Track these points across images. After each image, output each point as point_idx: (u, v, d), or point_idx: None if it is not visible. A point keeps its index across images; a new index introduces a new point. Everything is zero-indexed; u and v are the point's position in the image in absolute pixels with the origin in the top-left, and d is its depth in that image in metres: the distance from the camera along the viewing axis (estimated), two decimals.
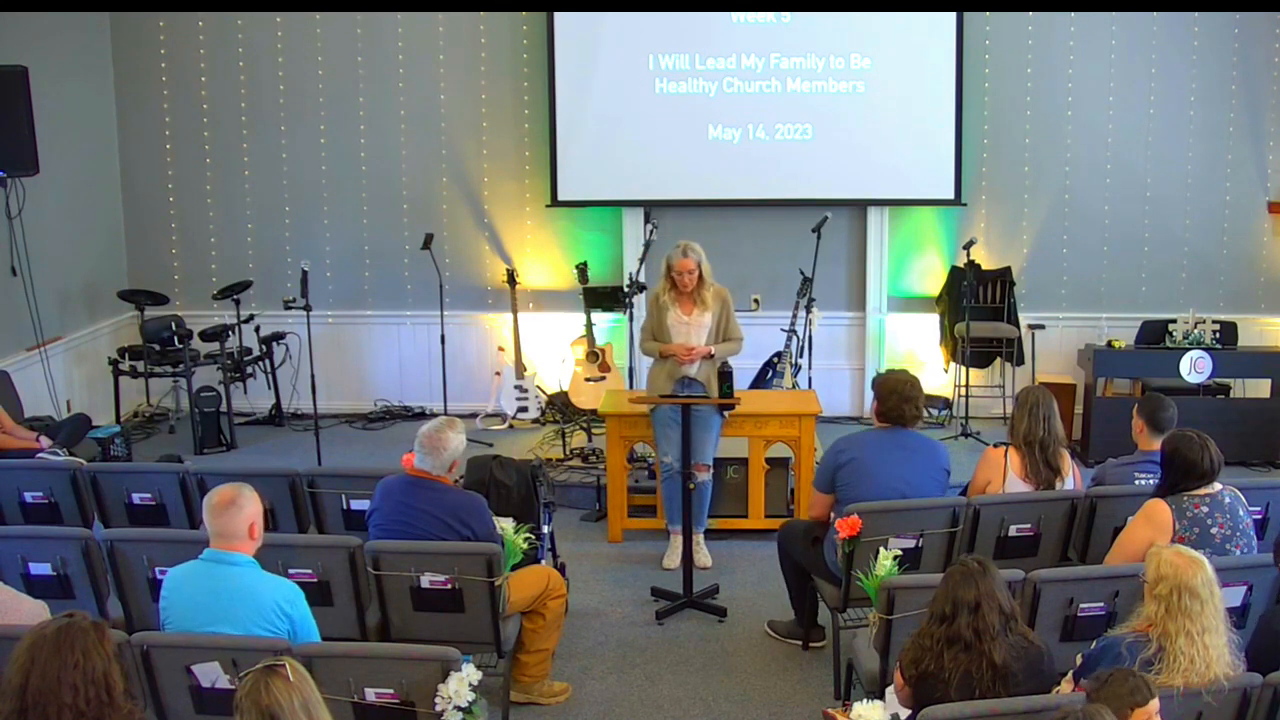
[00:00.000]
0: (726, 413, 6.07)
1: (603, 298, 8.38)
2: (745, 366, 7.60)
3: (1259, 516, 4.71)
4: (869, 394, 7.69)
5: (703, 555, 6.19)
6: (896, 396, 4.91)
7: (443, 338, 8.16)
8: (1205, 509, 4.16)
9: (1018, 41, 8.33)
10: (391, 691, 3.53)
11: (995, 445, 5.03)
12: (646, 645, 5.39)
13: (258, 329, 8.47)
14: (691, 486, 5.72)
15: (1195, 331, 7.67)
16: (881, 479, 4.80)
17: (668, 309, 6.00)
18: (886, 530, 4.59)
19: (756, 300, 8.33)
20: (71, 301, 8.13)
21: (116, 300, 8.39)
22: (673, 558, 6.09)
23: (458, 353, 8.54)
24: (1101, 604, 4.06)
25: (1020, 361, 8.36)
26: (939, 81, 8.23)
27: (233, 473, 5.11)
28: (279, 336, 8.56)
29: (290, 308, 7.88)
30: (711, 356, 5.97)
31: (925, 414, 8.30)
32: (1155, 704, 2.91)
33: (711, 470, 6.17)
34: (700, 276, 5.93)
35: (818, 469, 5.17)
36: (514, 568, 4.58)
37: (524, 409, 8.49)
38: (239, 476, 4.31)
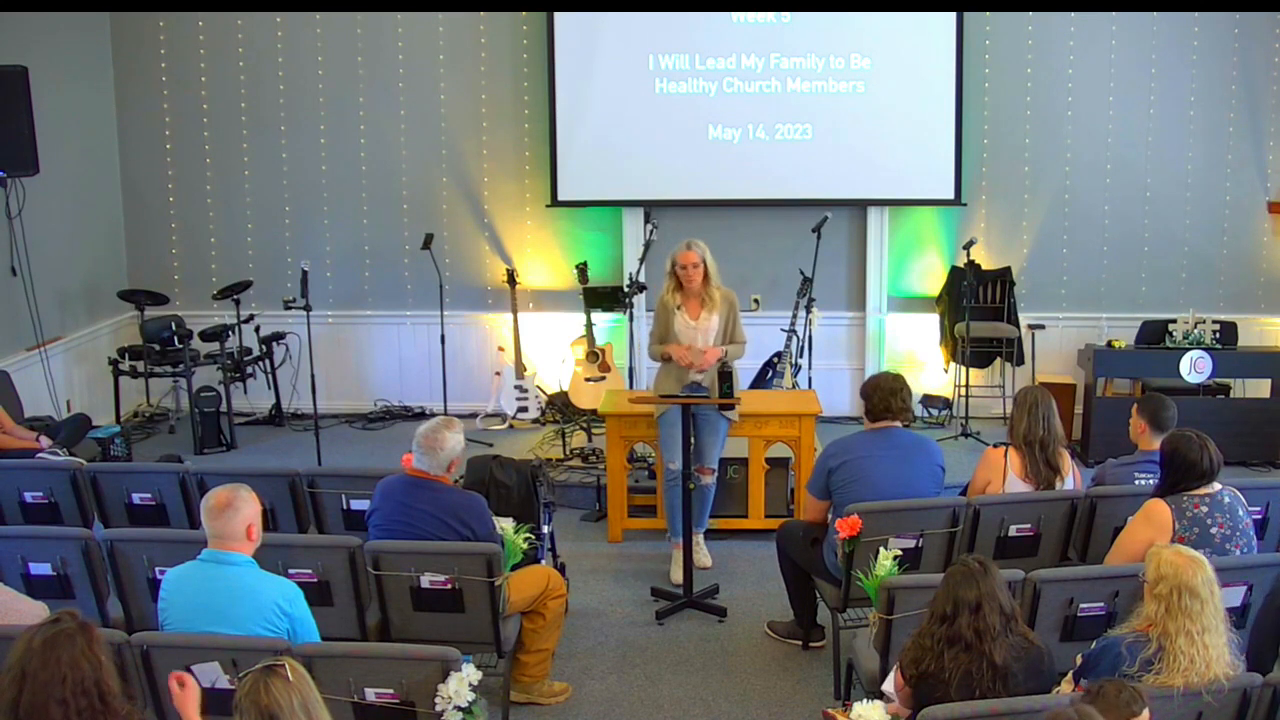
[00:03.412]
0: (732, 414, 6.04)
1: (603, 298, 8.38)
2: (745, 366, 7.58)
3: (1259, 516, 4.71)
4: None
5: (703, 555, 6.19)
6: (882, 391, 4.93)
7: (443, 338, 8.16)
8: (1205, 509, 4.15)
9: (1018, 41, 8.33)
10: (391, 691, 3.53)
11: (995, 445, 5.03)
12: (646, 645, 5.39)
13: (258, 329, 8.46)
14: (692, 486, 5.71)
15: (1195, 331, 7.67)
16: (876, 480, 4.80)
17: (674, 312, 5.95)
18: (886, 530, 4.59)
19: (756, 300, 8.33)
20: (71, 301, 8.13)
21: (116, 300, 8.39)
22: (678, 571, 5.93)
23: (458, 353, 8.54)
24: (1101, 604, 4.06)
25: (1020, 361, 8.36)
26: (939, 81, 8.23)
27: (233, 473, 5.12)
28: (279, 336, 8.56)
29: (290, 308, 7.88)
30: (725, 356, 5.92)
31: (926, 414, 8.40)
32: (1146, 714, 2.91)
33: (715, 474, 6.15)
34: (706, 274, 5.90)
35: (811, 474, 5.16)
36: (514, 568, 4.59)
37: (524, 409, 8.49)
38: (239, 476, 4.33)
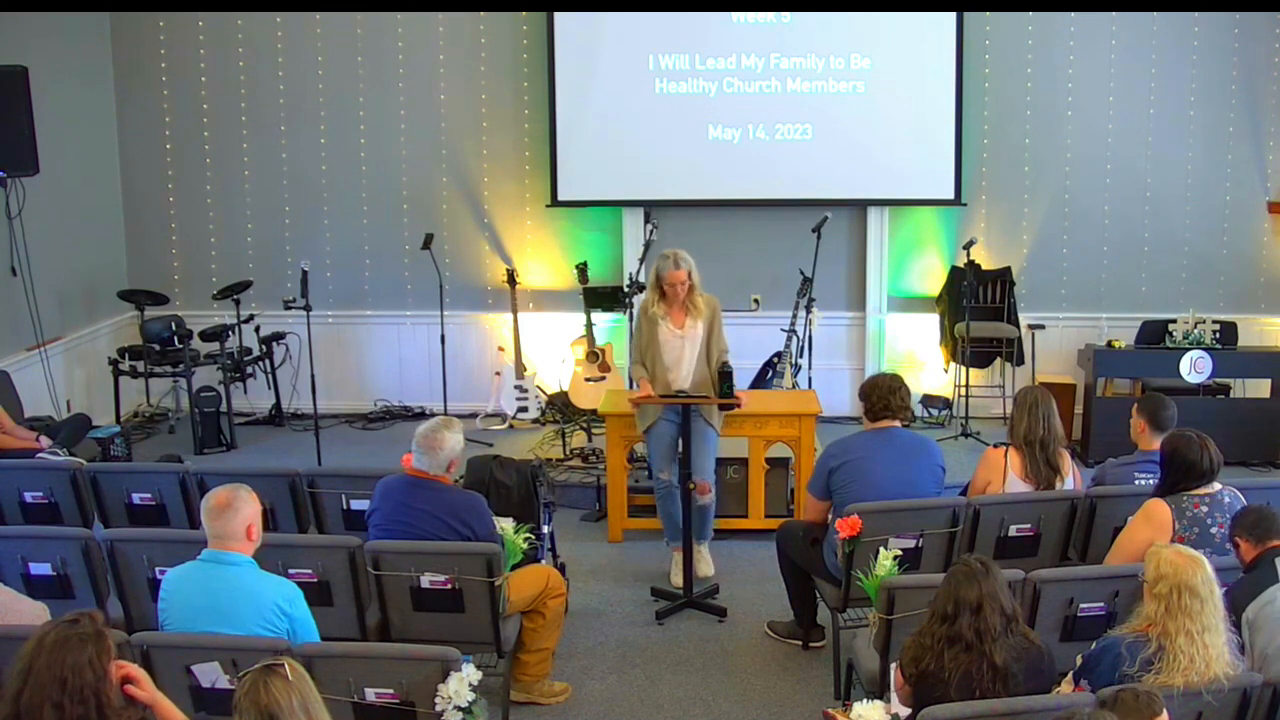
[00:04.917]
0: (721, 416, 6.01)
1: (603, 298, 8.38)
2: (745, 366, 7.59)
3: None
4: None
5: (705, 564, 6.09)
6: (880, 390, 4.94)
7: (443, 338, 8.15)
8: (1205, 509, 4.16)
9: (1018, 41, 8.33)
10: (391, 691, 3.53)
11: (995, 445, 5.03)
12: (646, 645, 5.39)
13: (258, 329, 8.46)
14: (692, 486, 5.70)
15: (1195, 331, 7.67)
16: (877, 480, 4.80)
17: (658, 322, 5.87)
18: (886, 530, 4.59)
19: (756, 300, 8.32)
20: (71, 301, 8.13)
21: (116, 300, 8.39)
22: (679, 574, 5.90)
23: (458, 353, 8.53)
24: (1101, 604, 4.06)
25: (1020, 361, 8.36)
26: (939, 81, 8.23)
27: (233, 473, 5.11)
28: (279, 336, 8.56)
29: (290, 308, 7.87)
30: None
31: (926, 414, 8.41)
32: (1165, 716, 2.91)
33: (713, 490, 6.07)
34: (691, 285, 5.81)
35: (811, 474, 5.16)
36: (514, 568, 4.59)
37: (524, 409, 8.49)
38: (239, 476, 4.32)
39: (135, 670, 3.07)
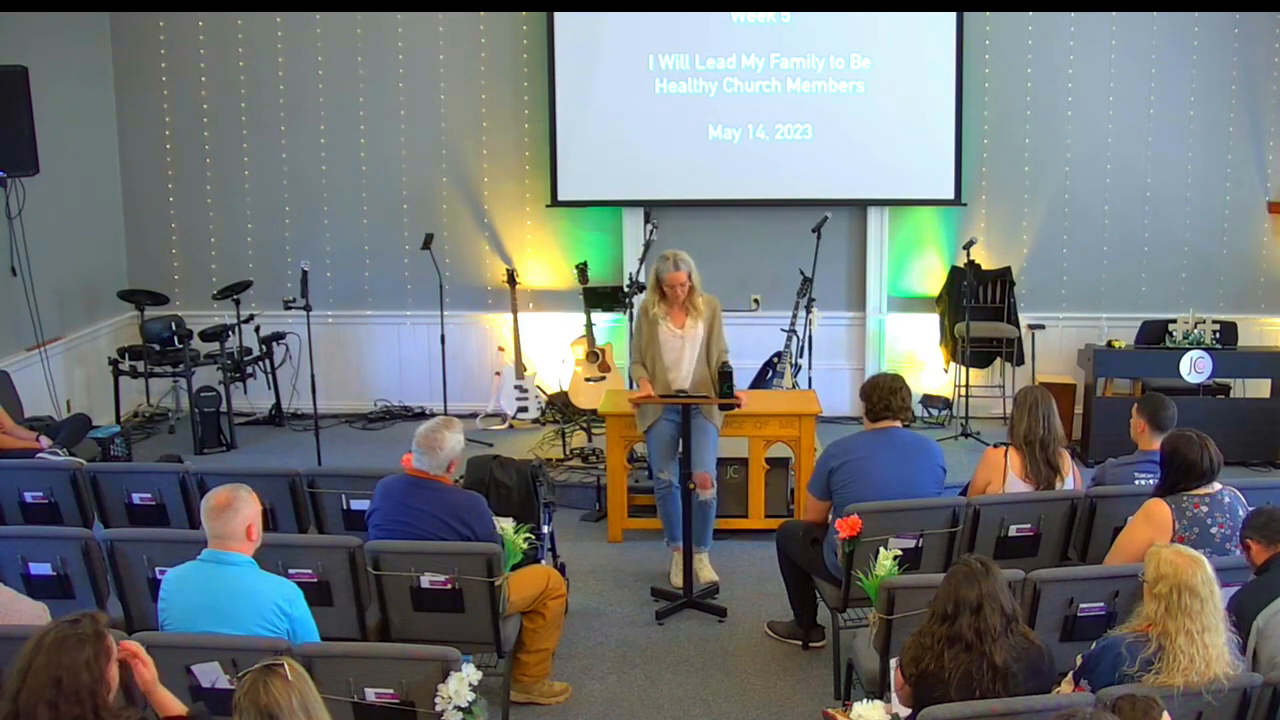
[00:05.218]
0: (721, 414, 6.01)
1: (603, 298, 8.38)
2: (745, 366, 7.60)
3: None
4: None
5: (707, 572, 6.05)
6: (881, 391, 4.94)
7: (443, 338, 8.15)
8: (1205, 509, 4.16)
9: (1018, 41, 8.33)
10: (391, 691, 3.53)
11: (995, 445, 5.03)
12: (646, 645, 5.39)
13: (258, 329, 8.46)
14: (692, 487, 5.70)
15: (1195, 331, 7.67)
16: (877, 480, 4.80)
17: (659, 322, 5.87)
18: (886, 530, 4.59)
19: (756, 300, 8.32)
20: (71, 301, 8.13)
21: (116, 300, 8.39)
22: (679, 574, 5.90)
23: (458, 353, 8.53)
24: (1101, 604, 4.06)
25: (1020, 361, 8.36)
26: (939, 81, 8.23)
27: (233, 473, 5.12)
28: (279, 336, 8.56)
29: (290, 308, 7.88)
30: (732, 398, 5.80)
31: (926, 414, 8.41)
32: (1166, 717, 2.91)
33: (715, 487, 6.05)
34: (691, 286, 5.81)
35: (812, 474, 5.16)
36: (514, 568, 4.59)
37: (524, 409, 8.49)
38: (239, 476, 4.33)
39: (142, 651, 3.09)
